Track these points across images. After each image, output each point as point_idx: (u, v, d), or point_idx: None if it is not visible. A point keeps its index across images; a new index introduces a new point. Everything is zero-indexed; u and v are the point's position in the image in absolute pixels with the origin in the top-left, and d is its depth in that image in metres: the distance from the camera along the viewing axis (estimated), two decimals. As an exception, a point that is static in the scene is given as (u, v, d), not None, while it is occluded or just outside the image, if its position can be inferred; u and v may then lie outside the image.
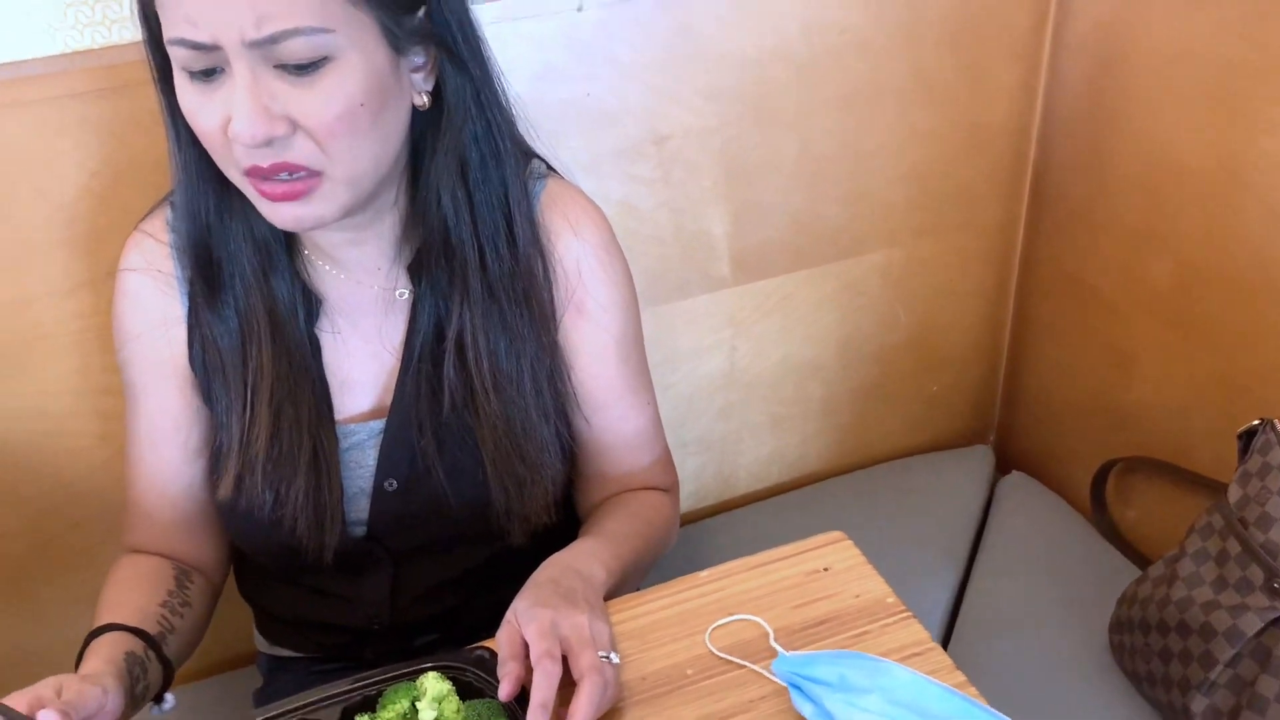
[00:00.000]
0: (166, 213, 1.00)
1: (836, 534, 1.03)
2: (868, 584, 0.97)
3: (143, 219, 1.02)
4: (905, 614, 0.94)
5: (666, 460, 1.17)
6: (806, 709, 0.82)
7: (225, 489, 0.99)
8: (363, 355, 1.03)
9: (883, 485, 1.61)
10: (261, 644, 1.21)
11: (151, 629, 0.96)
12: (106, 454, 1.24)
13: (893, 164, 1.46)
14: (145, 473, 1.05)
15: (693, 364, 1.49)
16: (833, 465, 1.67)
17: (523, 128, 1.01)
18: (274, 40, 0.80)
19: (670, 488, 1.18)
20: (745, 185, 1.40)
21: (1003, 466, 1.67)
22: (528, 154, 1.04)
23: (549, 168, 1.07)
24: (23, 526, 1.26)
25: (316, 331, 1.01)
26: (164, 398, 1.03)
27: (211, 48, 0.81)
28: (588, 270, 1.04)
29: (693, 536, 1.50)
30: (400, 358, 1.03)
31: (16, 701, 0.77)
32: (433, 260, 0.98)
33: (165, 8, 0.82)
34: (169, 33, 0.83)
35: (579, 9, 1.25)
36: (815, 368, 1.57)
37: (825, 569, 0.99)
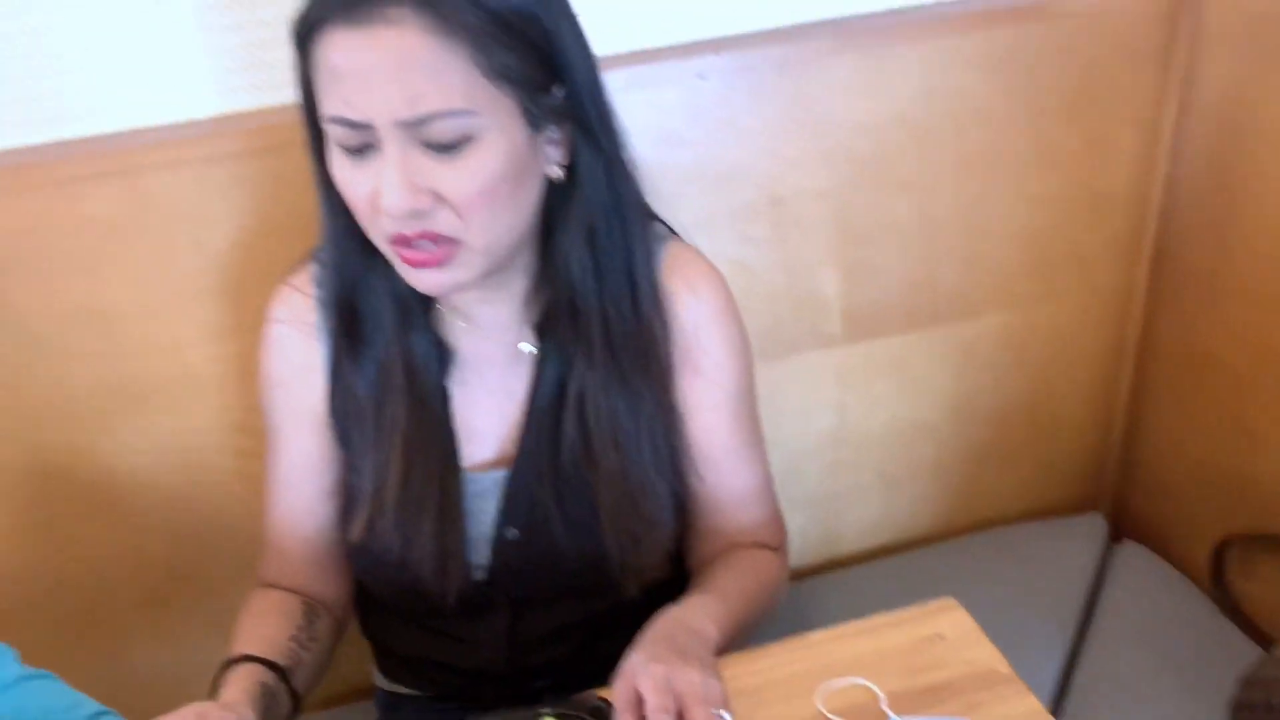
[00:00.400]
0: (312, 268, 1.07)
1: (949, 600, 1.03)
2: (980, 652, 0.97)
3: (290, 273, 1.08)
4: (1018, 684, 0.94)
5: (777, 518, 1.19)
6: (919, 776, 0.82)
7: (357, 531, 1.04)
8: (489, 407, 1.08)
9: (993, 550, 1.59)
10: (380, 680, 1.25)
11: (282, 661, 1.01)
12: (243, 490, 1.31)
13: (1010, 228, 1.47)
14: (283, 512, 1.11)
15: (801, 421, 1.51)
16: (942, 528, 1.66)
17: (644, 190, 1.05)
18: (422, 121, 0.86)
19: (780, 546, 1.19)
20: (859, 246, 1.42)
21: (1116, 536, 1.64)
22: (650, 217, 1.08)
23: (670, 230, 1.10)
24: (164, 554, 1.33)
25: (447, 383, 1.06)
26: (303, 442, 1.08)
27: (365, 126, 0.87)
28: (705, 331, 1.07)
29: (797, 594, 1.51)
30: (525, 411, 1.07)
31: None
32: (559, 320, 1.03)
33: (324, 88, 0.88)
34: (327, 110, 0.89)
35: (700, 77, 1.29)
36: (927, 428, 1.57)
37: (937, 635, 0.99)
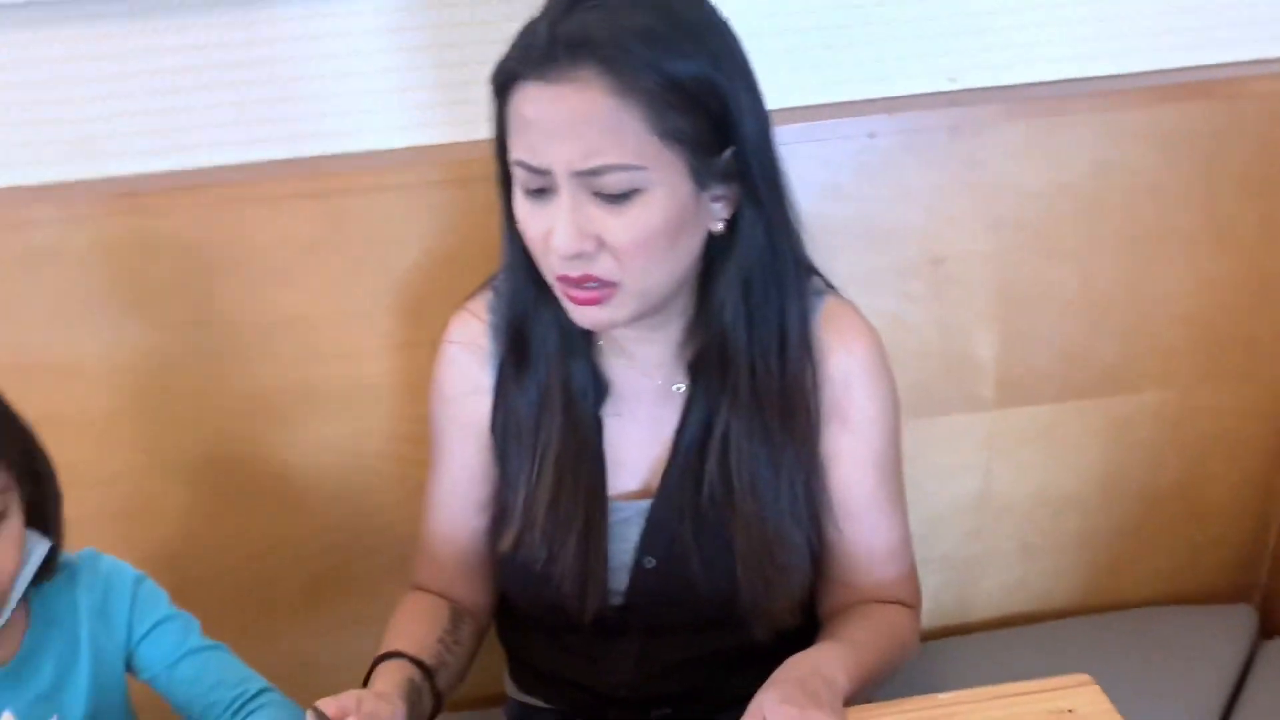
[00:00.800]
0: (488, 295, 1.14)
1: (1084, 676, 1.02)
2: (1113, 731, 0.96)
3: (468, 299, 1.15)
4: (1151, 770, 0.92)
5: (913, 577, 1.20)
6: None
7: (507, 542, 1.11)
8: (638, 440, 1.12)
9: (1133, 632, 1.55)
10: (512, 690, 1.31)
11: (429, 661, 1.07)
12: (401, 495, 1.39)
13: (1175, 306, 1.44)
14: (439, 519, 1.18)
15: (945, 482, 1.51)
16: (1081, 603, 1.62)
17: (806, 244, 1.08)
18: (595, 173, 0.92)
19: (914, 604, 1.20)
20: (1018, 312, 1.42)
21: (1267, 630, 1.58)
22: (809, 271, 1.11)
23: (828, 284, 1.13)
24: (323, 549, 1.43)
25: (601, 413, 1.11)
26: (466, 456, 1.15)
27: (545, 172, 0.94)
28: (856, 384, 1.10)
29: (926, 655, 1.49)
30: (670, 447, 1.11)
31: (326, 706, 0.89)
32: (710, 363, 1.07)
33: (514, 133, 0.96)
34: (514, 154, 0.97)
35: (871, 135, 1.32)
36: (1074, 500, 1.55)
37: (1069, 710, 0.99)
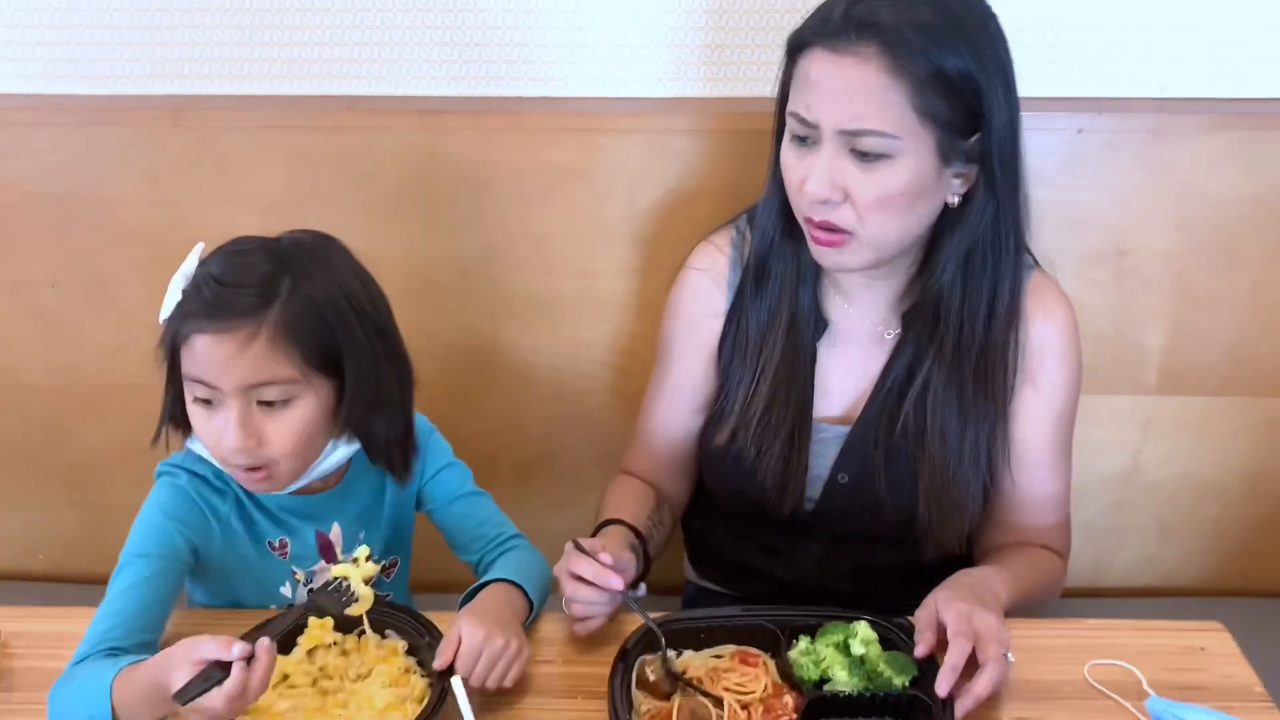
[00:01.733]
0: (731, 232, 1.31)
1: (1216, 624, 1.16)
2: (1239, 670, 1.11)
3: (713, 232, 1.33)
4: (1269, 705, 1.07)
5: (1066, 527, 1.34)
6: (1170, 743, 0.98)
7: (722, 437, 1.28)
8: (846, 373, 1.29)
9: (1258, 618, 1.65)
10: (691, 574, 1.50)
11: (642, 530, 1.26)
12: (613, 399, 1.59)
13: (1345, 319, 1.54)
14: (658, 417, 1.37)
15: (1099, 455, 1.64)
16: (1208, 586, 1.74)
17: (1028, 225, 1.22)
18: (857, 134, 1.09)
19: (1064, 553, 1.34)
20: (1191, 308, 1.54)
21: (1390, 636, 1.67)
22: (1023, 247, 1.24)
23: (1035, 261, 1.27)
24: (540, 435, 1.64)
25: (818, 345, 1.28)
26: (691, 367, 1.33)
27: (814, 125, 1.11)
28: (1049, 351, 1.24)
29: (1061, 608, 1.64)
30: (874, 384, 1.28)
31: (583, 541, 1.09)
32: (924, 318, 1.23)
33: (796, 89, 1.13)
34: (791, 106, 1.14)
35: (1078, 131, 1.45)
36: (1216, 489, 1.66)
37: (1201, 648, 1.14)
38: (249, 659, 0.90)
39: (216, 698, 0.87)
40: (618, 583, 1.07)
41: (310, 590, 1.04)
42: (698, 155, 1.47)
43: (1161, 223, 1.49)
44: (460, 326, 1.58)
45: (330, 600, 1.03)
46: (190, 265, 1.08)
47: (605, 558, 1.08)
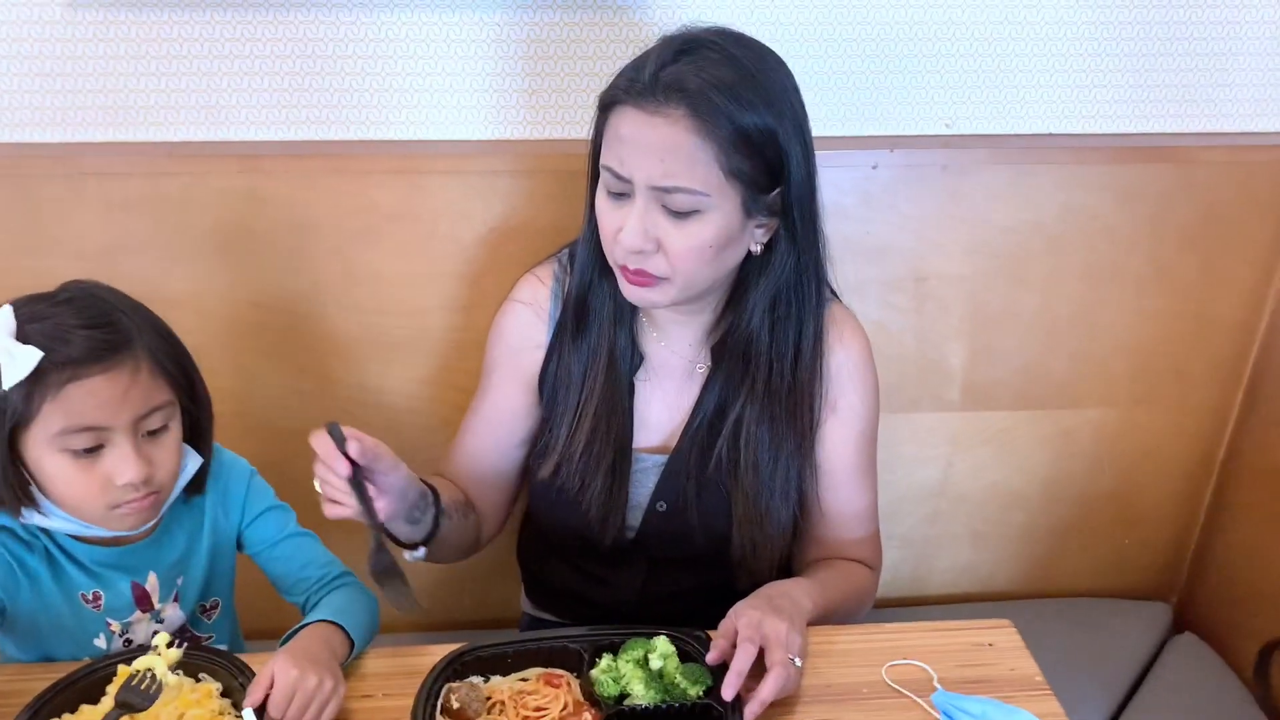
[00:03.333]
0: (554, 266, 1.36)
1: (1004, 621, 1.26)
2: (1022, 663, 1.20)
3: (537, 265, 1.37)
4: (1047, 692, 1.16)
5: (876, 541, 1.43)
6: (951, 732, 1.05)
7: (546, 470, 1.33)
8: (661, 405, 1.35)
9: (1061, 616, 1.78)
10: (527, 606, 1.54)
11: (442, 498, 1.24)
12: (445, 434, 1.59)
13: (1120, 335, 1.68)
14: (477, 443, 1.38)
15: (911, 470, 1.74)
16: (1019, 589, 1.86)
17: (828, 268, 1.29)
18: (668, 190, 1.15)
19: (875, 565, 1.42)
20: (986, 329, 1.66)
21: (1178, 626, 1.81)
22: (824, 287, 1.31)
23: (832, 292, 1.36)
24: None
25: (635, 379, 1.34)
26: (511, 394, 1.37)
27: (627, 180, 1.16)
28: (846, 376, 1.33)
29: (882, 618, 1.73)
30: (688, 416, 1.34)
31: (351, 431, 1.09)
32: (733, 355, 1.29)
33: (608, 144, 1.18)
34: (605, 160, 1.19)
35: (874, 167, 1.56)
36: (1020, 497, 1.79)
37: (990, 644, 1.22)
38: None
39: None
40: (343, 468, 1.07)
41: (117, 691, 1.04)
42: (519, 194, 1.52)
43: (953, 249, 1.61)
44: (289, 367, 1.59)
45: (137, 696, 1.04)
46: (6, 327, 1.04)
47: (354, 446, 1.08)
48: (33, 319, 1.05)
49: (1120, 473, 1.78)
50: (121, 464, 1.06)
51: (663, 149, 1.13)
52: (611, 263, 1.23)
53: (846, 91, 1.56)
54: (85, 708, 1.05)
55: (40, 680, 1.09)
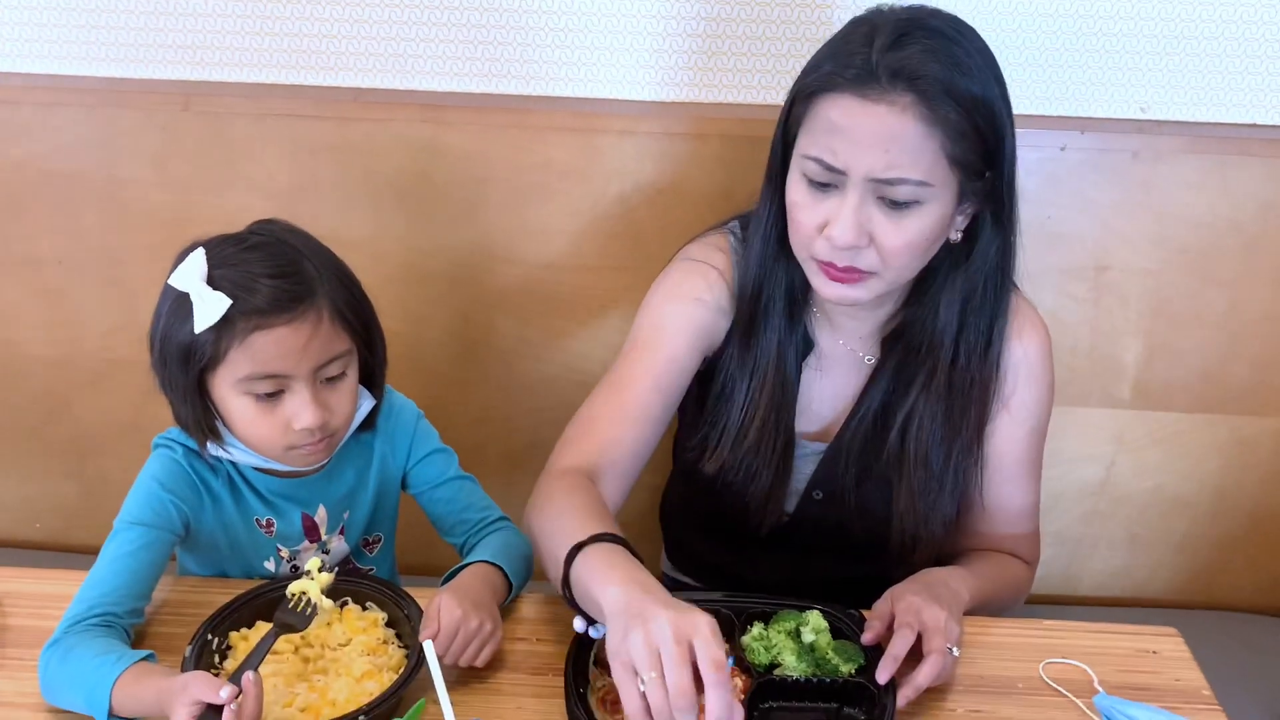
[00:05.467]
0: (729, 238, 1.29)
1: (1171, 629, 1.20)
2: (1189, 673, 1.15)
3: (711, 232, 1.31)
4: (1215, 707, 1.11)
5: (1035, 539, 1.38)
6: (1114, 738, 1.02)
7: (716, 461, 1.28)
8: (824, 394, 1.31)
9: (1221, 630, 1.70)
10: (668, 568, 1.55)
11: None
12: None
13: (1314, 343, 1.58)
14: (627, 402, 1.23)
15: (1072, 466, 1.68)
16: (1176, 598, 1.78)
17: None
18: (890, 182, 1.08)
19: (1032, 562, 1.38)
20: (1166, 326, 1.58)
21: (1348, 653, 1.71)
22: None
23: (1014, 282, 1.28)
24: (527, 425, 1.69)
25: (803, 366, 1.29)
26: (683, 351, 1.26)
27: (839, 172, 1.10)
28: (1023, 373, 1.27)
29: (1030, 613, 1.68)
30: (851, 407, 1.30)
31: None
32: (909, 348, 1.24)
33: (812, 132, 1.11)
34: (808, 150, 1.11)
35: (1061, 149, 1.50)
36: (1186, 504, 1.71)
37: (1154, 652, 1.18)
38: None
39: None
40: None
41: (276, 612, 1.08)
42: (688, 157, 1.51)
43: (1140, 241, 1.54)
44: (454, 316, 1.63)
45: (295, 618, 1.08)
46: (199, 271, 1.08)
47: None
48: (222, 264, 1.08)
49: (1301, 488, 1.69)
50: (301, 410, 1.09)
51: (887, 138, 1.07)
52: (805, 257, 1.17)
53: (1037, 68, 1.50)
54: (261, 623, 1.11)
55: (218, 594, 1.15)
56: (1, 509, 1.81)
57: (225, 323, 1.06)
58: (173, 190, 1.55)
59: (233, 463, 1.19)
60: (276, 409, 1.10)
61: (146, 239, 1.58)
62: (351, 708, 1.00)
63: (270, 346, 1.07)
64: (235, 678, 0.94)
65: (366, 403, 1.21)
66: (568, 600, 1.04)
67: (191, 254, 1.09)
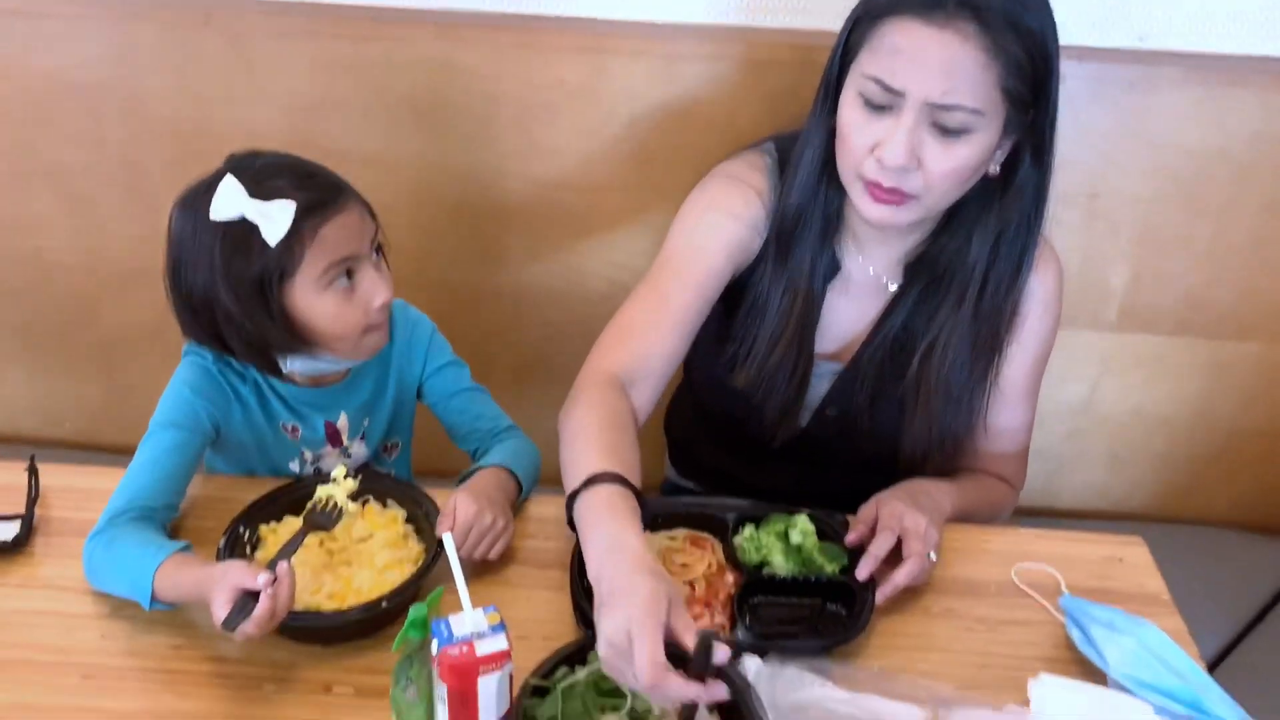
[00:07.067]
0: (767, 159, 1.31)
1: (1137, 538, 1.29)
2: (1151, 580, 1.24)
3: (743, 151, 1.33)
4: (1172, 611, 1.19)
5: (1023, 462, 1.44)
6: (1075, 634, 1.10)
7: (745, 374, 1.32)
8: (844, 316, 1.35)
9: (1192, 543, 1.78)
10: (671, 473, 1.63)
11: (638, 485, 1.10)
12: (607, 309, 1.65)
13: (1298, 271, 1.64)
14: (665, 312, 1.27)
15: (1058, 386, 1.75)
16: (1152, 512, 1.87)
17: None
18: (946, 108, 1.11)
19: (1017, 484, 1.44)
20: (1154, 252, 1.64)
21: (1314, 567, 1.80)
22: None
23: None
24: (536, 339, 1.76)
25: (828, 287, 1.33)
26: (720, 271, 1.29)
27: (897, 94, 1.12)
28: (1035, 305, 1.32)
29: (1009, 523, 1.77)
30: (870, 329, 1.35)
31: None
32: (935, 275, 1.27)
33: (875, 54, 1.13)
34: (869, 70, 1.14)
35: (1061, 76, 1.52)
36: (1165, 424, 1.78)
37: (1120, 559, 1.26)
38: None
39: (253, 622, 0.99)
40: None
41: (305, 514, 1.16)
42: (699, 81, 1.55)
43: (1132, 169, 1.58)
44: (466, 232, 1.68)
45: (324, 519, 1.16)
46: (241, 193, 1.11)
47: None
48: (255, 183, 1.12)
49: (1276, 409, 1.76)
50: (374, 287, 1.18)
51: (950, 65, 1.09)
52: (852, 176, 1.19)
53: (1039, -3, 1.53)
54: (288, 518, 1.19)
55: (247, 491, 1.23)
56: (31, 410, 1.89)
57: (293, 230, 1.12)
58: (193, 105, 1.60)
59: (259, 373, 1.26)
60: (354, 295, 1.17)
61: (168, 152, 1.63)
62: (375, 596, 1.09)
63: (337, 233, 1.14)
64: (271, 567, 1.02)
65: None
66: (572, 527, 1.09)
67: (221, 183, 1.12)
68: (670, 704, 0.95)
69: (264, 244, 1.11)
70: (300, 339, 1.18)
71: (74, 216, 1.70)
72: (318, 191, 1.14)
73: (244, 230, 1.11)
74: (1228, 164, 1.57)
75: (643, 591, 0.91)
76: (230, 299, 1.14)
